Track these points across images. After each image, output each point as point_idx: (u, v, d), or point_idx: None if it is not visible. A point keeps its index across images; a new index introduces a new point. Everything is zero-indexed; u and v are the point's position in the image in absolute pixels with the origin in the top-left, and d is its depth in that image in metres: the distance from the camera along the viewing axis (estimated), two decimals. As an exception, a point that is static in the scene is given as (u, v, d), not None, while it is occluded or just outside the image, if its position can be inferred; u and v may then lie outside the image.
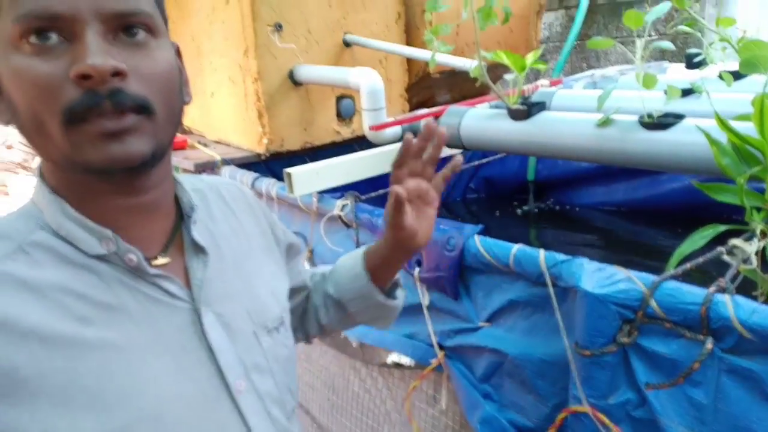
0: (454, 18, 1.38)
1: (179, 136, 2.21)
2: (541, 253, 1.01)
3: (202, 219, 0.68)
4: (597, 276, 0.95)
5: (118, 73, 0.51)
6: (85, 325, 0.53)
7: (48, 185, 0.58)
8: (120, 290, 0.57)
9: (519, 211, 2.39)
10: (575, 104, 1.54)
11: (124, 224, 0.58)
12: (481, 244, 1.10)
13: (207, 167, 1.91)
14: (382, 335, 1.32)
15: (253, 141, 1.97)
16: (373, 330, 1.35)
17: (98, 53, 0.50)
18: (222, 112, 2.09)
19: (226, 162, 1.91)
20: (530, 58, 1.36)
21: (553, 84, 1.85)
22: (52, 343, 0.51)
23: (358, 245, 1.37)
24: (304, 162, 2.16)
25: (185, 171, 2.03)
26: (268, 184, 1.65)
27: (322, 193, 1.52)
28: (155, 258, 0.61)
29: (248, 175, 1.73)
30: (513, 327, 1.10)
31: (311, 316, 0.94)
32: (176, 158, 1.96)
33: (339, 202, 1.43)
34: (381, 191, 1.59)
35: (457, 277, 1.16)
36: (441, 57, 1.36)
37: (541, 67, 1.40)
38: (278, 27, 1.87)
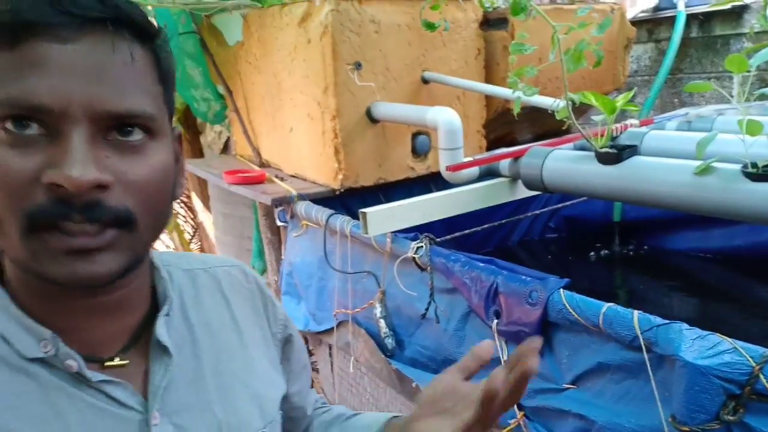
0: (537, 59, 1.32)
1: (257, 170, 2.26)
2: (635, 315, 0.93)
3: (181, 309, 0.61)
4: (698, 345, 0.86)
5: (100, 186, 0.45)
6: None
7: None
8: (58, 398, 0.50)
9: (602, 253, 2.26)
10: (668, 146, 1.44)
11: (78, 324, 0.52)
12: (566, 299, 1.02)
13: (283, 202, 1.93)
14: (456, 388, 1.26)
15: (328, 176, 1.98)
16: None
17: (81, 162, 0.44)
18: (299, 147, 2.12)
19: (302, 197, 1.92)
20: (621, 100, 1.29)
21: (643, 124, 1.75)
22: None
23: (432, 290, 1.33)
24: (377, 197, 2.16)
25: (262, 205, 2.06)
26: (342, 221, 1.64)
27: (396, 232, 1.49)
28: (111, 359, 0.53)
29: (323, 212, 1.73)
30: (602, 392, 1.01)
31: None
32: (254, 192, 1.99)
33: (413, 244, 1.39)
34: (457, 234, 1.55)
35: (540, 332, 1.08)
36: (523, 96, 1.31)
37: (633, 109, 1.32)
38: (358, 65, 1.87)
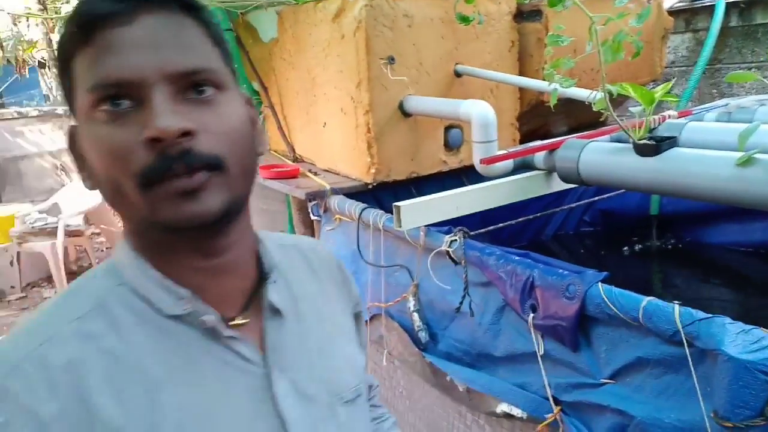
0: (573, 50, 1.31)
1: (291, 164, 2.28)
2: (676, 309, 0.91)
3: (284, 279, 0.66)
4: (742, 339, 0.85)
5: (186, 133, 0.51)
6: (160, 389, 0.53)
7: (130, 245, 0.58)
8: (194, 352, 0.56)
9: (639, 247, 2.22)
10: (708, 138, 1.41)
11: (202, 285, 0.58)
12: (605, 293, 1.01)
13: (317, 196, 1.95)
14: (492, 382, 1.26)
15: (361, 170, 1.99)
16: (482, 375, 1.29)
17: (166, 115, 0.50)
18: (333, 141, 2.14)
19: (335, 191, 1.94)
20: (660, 91, 1.26)
21: (681, 115, 1.71)
22: (129, 407, 0.51)
23: (466, 283, 1.33)
24: (409, 191, 2.16)
25: (295, 199, 2.08)
26: (375, 215, 1.65)
27: (429, 226, 1.49)
28: (233, 319, 0.59)
29: (356, 206, 1.74)
30: (641, 387, 1.00)
31: None
32: (288, 187, 2.02)
33: (447, 238, 1.39)
34: (491, 227, 1.54)
35: (577, 327, 1.07)
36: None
37: (672, 100, 1.29)
38: (391, 60, 1.88)
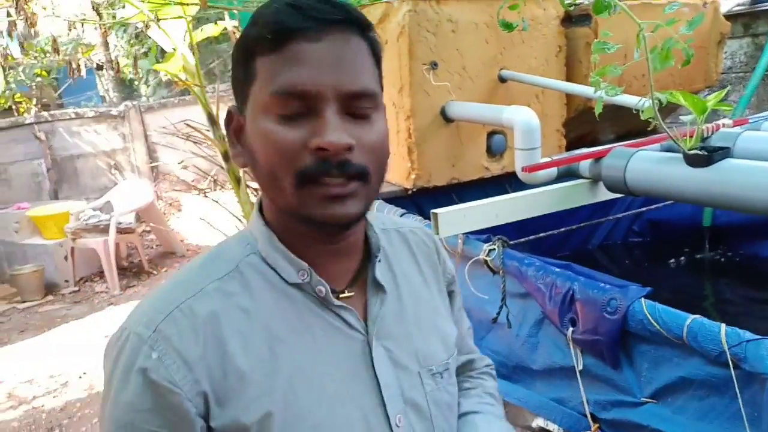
0: (622, 55, 1.27)
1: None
2: (723, 329, 0.87)
3: (386, 259, 0.74)
4: (796, 363, 0.80)
5: (349, 147, 0.59)
6: (279, 344, 0.62)
7: (263, 219, 0.68)
8: (309, 316, 0.65)
9: (690, 259, 2.13)
10: (765, 148, 1.34)
11: (320, 261, 0.66)
12: (648, 310, 0.98)
13: (357, 201, 1.95)
14: (528, 395, 1.23)
15: (401, 176, 1.99)
16: (518, 388, 1.27)
17: (335, 130, 0.58)
18: (374, 146, 2.14)
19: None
20: (712, 99, 1.21)
21: (737, 124, 1.64)
22: (254, 356, 0.61)
23: (504, 294, 1.30)
24: (450, 197, 2.14)
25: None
26: (413, 221, 1.64)
27: (468, 234, 1.47)
28: (342, 291, 0.68)
29: (394, 211, 1.74)
30: (683, 408, 0.96)
31: None
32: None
33: (486, 247, 1.37)
34: (531, 237, 1.51)
35: (618, 343, 1.04)
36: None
37: (726, 108, 1.24)
38: (434, 65, 1.87)
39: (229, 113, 0.67)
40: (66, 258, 5.17)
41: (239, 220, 4.37)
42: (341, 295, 0.68)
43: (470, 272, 1.44)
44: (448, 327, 0.79)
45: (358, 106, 0.61)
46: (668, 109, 2.14)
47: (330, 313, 0.66)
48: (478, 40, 1.95)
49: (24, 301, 5.06)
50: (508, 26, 1.33)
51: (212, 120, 3.18)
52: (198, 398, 0.58)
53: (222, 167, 3.50)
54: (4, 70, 7.13)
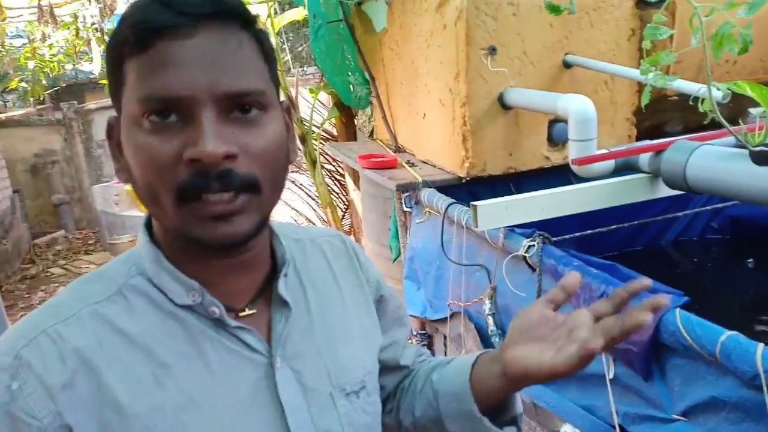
0: (678, 42, 1.16)
1: (390, 155, 2.29)
2: (759, 349, 0.79)
3: (295, 272, 0.68)
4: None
5: (228, 156, 0.52)
6: (165, 372, 0.56)
7: (149, 236, 0.61)
8: (202, 340, 0.58)
9: (751, 261, 1.95)
10: None
11: (215, 279, 0.60)
12: (682, 321, 0.90)
13: (409, 188, 1.94)
14: (558, 400, 1.18)
15: (455, 164, 1.95)
16: (548, 392, 1.21)
17: (211, 137, 0.51)
18: (431, 133, 2.11)
19: (428, 184, 1.91)
20: (784, 89, 1.08)
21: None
22: (135, 386, 0.54)
23: (539, 292, 1.25)
24: (507, 187, 2.07)
25: (389, 190, 2.08)
26: (459, 211, 1.60)
27: (514, 227, 1.42)
28: (242, 309, 0.61)
29: (443, 200, 1.71)
30: (715, 430, 0.88)
31: (407, 403, 0.79)
32: (382, 177, 2.03)
33: (525, 242, 1.32)
34: (577, 234, 1.43)
35: (650, 354, 0.97)
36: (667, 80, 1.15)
37: (802, 99, 1.10)
38: (492, 50, 1.80)
39: (109, 125, 0.59)
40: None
41: (313, 199, 4.49)
42: (241, 314, 0.61)
43: (511, 267, 1.39)
44: (368, 340, 0.72)
45: (243, 108, 0.54)
46: (740, 104, 1.95)
47: (228, 335, 0.59)
48: (541, 23, 1.85)
49: (120, 269, 5.48)
50: (555, 9, 1.25)
51: (291, 103, 3.26)
52: None
53: (300, 149, 3.59)
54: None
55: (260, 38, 0.57)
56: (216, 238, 0.54)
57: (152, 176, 0.53)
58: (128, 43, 0.53)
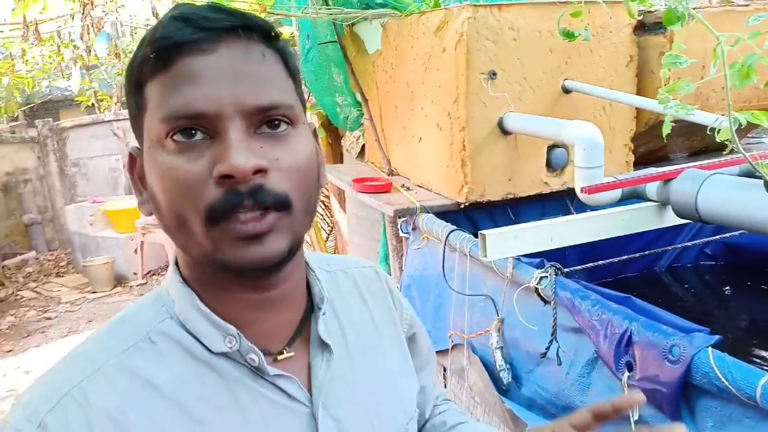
0: (696, 71, 1.14)
1: (384, 178, 2.24)
2: (807, 395, 0.75)
3: (332, 309, 0.64)
4: None
5: (259, 171, 0.49)
6: (201, 428, 0.52)
7: (181, 276, 0.57)
8: (239, 390, 0.55)
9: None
10: None
11: (250, 319, 0.56)
12: (716, 362, 0.86)
13: (406, 213, 1.89)
14: (575, 440, 1.13)
15: (453, 189, 1.90)
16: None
17: (240, 151, 0.49)
18: (427, 157, 2.07)
19: (425, 209, 1.87)
20: (804, 120, 1.06)
21: (833, 145, 1.46)
22: None
23: (554, 327, 1.20)
24: (506, 212, 2.04)
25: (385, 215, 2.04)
26: (462, 239, 1.56)
27: (520, 257, 1.38)
28: (280, 353, 0.58)
29: (444, 227, 1.66)
30: (753, 478, 0.84)
31: None
32: (378, 202, 1.98)
33: (537, 273, 1.27)
34: (589, 264, 1.40)
35: (680, 395, 0.93)
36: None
37: (821, 130, 1.09)
38: (492, 75, 1.78)
39: (131, 156, 0.57)
40: (136, 251, 5.39)
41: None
42: (279, 357, 0.58)
43: (520, 299, 1.34)
44: (407, 383, 0.69)
45: (271, 122, 0.52)
46: (748, 129, 1.95)
47: (266, 384, 0.56)
48: (541, 48, 1.84)
49: (94, 292, 5.31)
50: (569, 35, 1.22)
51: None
52: None
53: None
54: (87, 70, 7.52)
55: (284, 54, 0.56)
56: (247, 261, 0.51)
57: (179, 199, 0.50)
58: (149, 63, 0.51)
